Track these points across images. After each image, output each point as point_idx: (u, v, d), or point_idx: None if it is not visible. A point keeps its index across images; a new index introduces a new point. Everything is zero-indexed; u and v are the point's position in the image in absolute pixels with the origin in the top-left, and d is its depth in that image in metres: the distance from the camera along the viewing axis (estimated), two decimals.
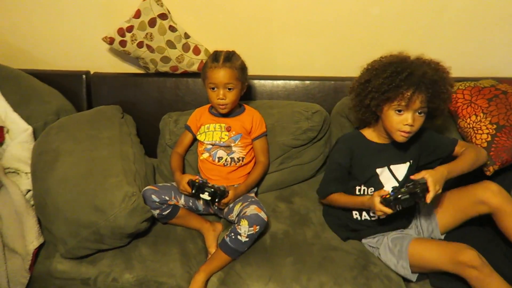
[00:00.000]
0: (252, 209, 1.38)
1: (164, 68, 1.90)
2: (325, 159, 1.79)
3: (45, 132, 1.64)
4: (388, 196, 1.19)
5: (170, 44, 1.84)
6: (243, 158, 1.60)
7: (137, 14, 1.80)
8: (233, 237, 1.34)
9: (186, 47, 1.86)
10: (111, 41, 1.85)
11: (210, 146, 1.60)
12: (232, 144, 1.59)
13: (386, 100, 1.27)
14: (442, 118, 1.39)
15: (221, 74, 1.48)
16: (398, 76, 1.22)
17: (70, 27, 1.95)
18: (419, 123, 1.28)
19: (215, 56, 1.53)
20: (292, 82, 1.86)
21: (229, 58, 1.51)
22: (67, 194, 1.36)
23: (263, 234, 1.42)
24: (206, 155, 1.61)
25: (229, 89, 1.52)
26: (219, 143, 1.59)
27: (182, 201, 1.52)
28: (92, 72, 2.00)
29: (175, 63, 1.87)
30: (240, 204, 1.46)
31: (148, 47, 1.84)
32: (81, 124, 1.66)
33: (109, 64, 2.02)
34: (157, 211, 1.47)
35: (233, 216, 1.45)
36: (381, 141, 1.41)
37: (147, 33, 1.81)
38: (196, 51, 1.88)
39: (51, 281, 1.36)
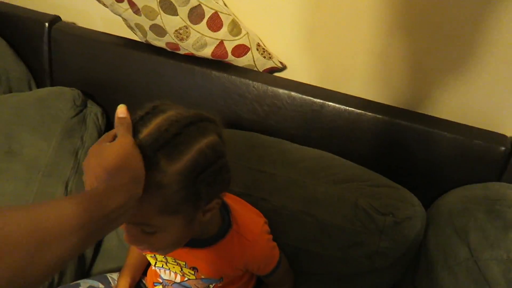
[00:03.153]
0: None
1: (157, 42, 1.09)
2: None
3: None
4: None
5: (167, 6, 0.99)
6: None
7: None
8: None
9: (196, 15, 1.02)
10: None
11: (168, 283, 0.83)
12: None
13: None
14: None
15: None
16: None
17: None
18: None
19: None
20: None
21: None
22: None
23: None
24: None
25: (148, 232, 0.60)
26: (181, 283, 0.81)
27: None
28: (62, 21, 1.24)
29: (173, 39, 1.04)
30: None
31: (131, 4, 1.01)
32: None
33: (100, 17, 1.25)
34: None
35: None
36: None
37: None
38: (215, 23, 1.03)
39: None
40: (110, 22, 1.25)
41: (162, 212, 0.56)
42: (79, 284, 0.90)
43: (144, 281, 0.93)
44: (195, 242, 0.71)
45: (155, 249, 0.68)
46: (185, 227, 0.61)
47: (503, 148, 0.91)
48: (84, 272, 1.03)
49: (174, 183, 0.54)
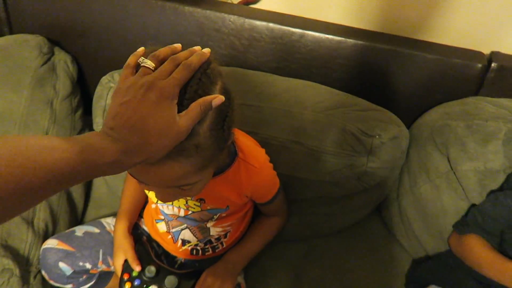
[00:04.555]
0: None
1: None
2: (376, 206, 1.01)
3: None
4: None
5: None
6: (227, 233, 0.88)
7: None
8: None
9: None
10: None
11: (171, 217, 0.84)
12: (209, 224, 0.83)
13: None
14: None
15: (150, 176, 0.54)
16: None
17: None
18: None
19: None
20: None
21: None
22: None
23: None
24: (162, 226, 0.88)
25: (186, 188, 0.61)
26: (185, 217, 0.82)
27: None
28: None
29: None
30: None
31: None
32: None
33: None
34: (69, 286, 0.89)
35: None
36: None
37: None
38: None
39: None
40: None
41: (201, 169, 0.57)
42: (74, 231, 0.91)
43: (139, 223, 0.95)
44: None
45: (192, 194, 0.69)
46: (213, 169, 0.64)
47: (480, 65, 0.94)
48: (78, 220, 1.04)
49: (208, 139, 0.54)
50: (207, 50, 0.54)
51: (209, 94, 0.53)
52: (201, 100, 0.50)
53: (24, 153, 0.36)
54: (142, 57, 0.51)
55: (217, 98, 0.51)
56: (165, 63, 0.50)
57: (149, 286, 0.80)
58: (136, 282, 0.80)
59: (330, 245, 0.99)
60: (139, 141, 0.44)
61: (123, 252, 0.83)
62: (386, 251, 0.99)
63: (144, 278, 0.80)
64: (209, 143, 0.54)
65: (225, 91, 0.56)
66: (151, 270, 0.81)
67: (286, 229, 0.96)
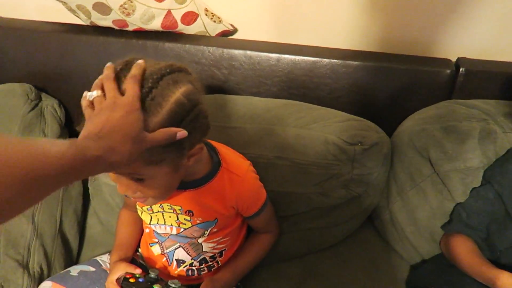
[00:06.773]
0: None
1: (103, 21, 1.10)
2: (368, 216, 1.05)
3: None
4: None
5: None
6: (222, 251, 0.91)
7: None
8: None
9: None
10: None
11: (164, 237, 0.88)
12: (200, 239, 0.86)
13: None
14: None
15: None
16: None
17: None
18: None
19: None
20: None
21: None
22: None
23: None
24: (156, 249, 0.91)
25: (138, 180, 0.66)
26: (178, 235, 0.85)
27: None
28: None
29: (119, 16, 1.06)
30: None
31: None
32: None
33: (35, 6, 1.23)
34: None
35: None
36: None
37: None
38: None
39: None
40: (46, 10, 1.23)
41: (149, 164, 0.61)
42: (69, 271, 0.92)
43: (135, 258, 0.97)
44: (188, 184, 0.77)
45: (148, 196, 0.72)
46: (172, 173, 0.67)
47: (448, 71, 1.02)
48: (73, 261, 1.05)
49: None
50: (141, 61, 0.60)
51: (167, 94, 0.59)
52: (167, 129, 0.57)
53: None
54: (87, 92, 0.59)
55: (181, 132, 0.58)
56: (107, 83, 0.57)
57: (153, 284, 0.79)
58: (140, 280, 0.80)
59: (326, 260, 1.02)
60: (113, 144, 0.51)
61: (116, 271, 0.82)
62: (383, 260, 1.02)
63: (148, 278, 0.80)
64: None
65: (187, 97, 0.61)
66: (155, 270, 0.79)
67: (282, 248, 0.99)
